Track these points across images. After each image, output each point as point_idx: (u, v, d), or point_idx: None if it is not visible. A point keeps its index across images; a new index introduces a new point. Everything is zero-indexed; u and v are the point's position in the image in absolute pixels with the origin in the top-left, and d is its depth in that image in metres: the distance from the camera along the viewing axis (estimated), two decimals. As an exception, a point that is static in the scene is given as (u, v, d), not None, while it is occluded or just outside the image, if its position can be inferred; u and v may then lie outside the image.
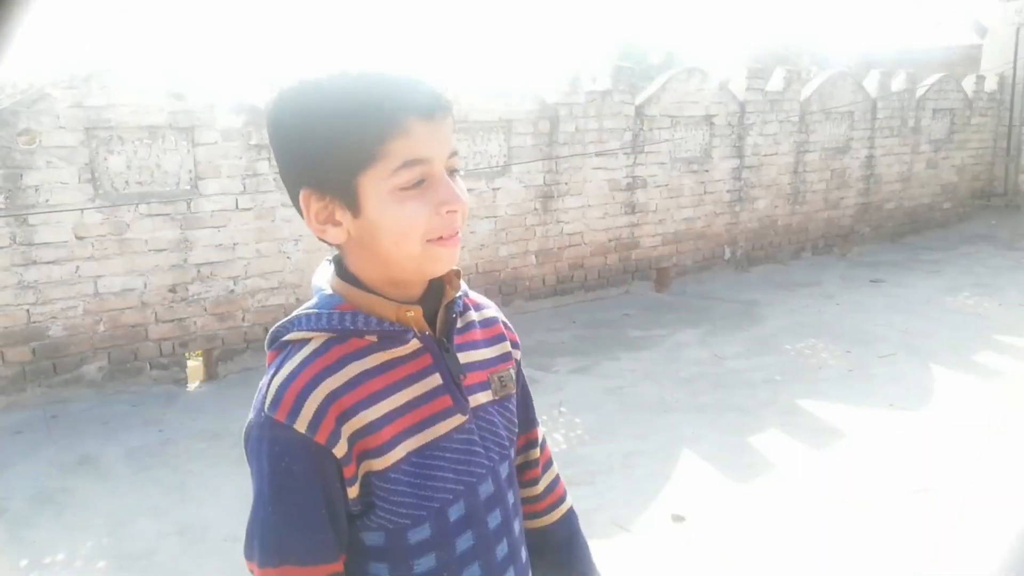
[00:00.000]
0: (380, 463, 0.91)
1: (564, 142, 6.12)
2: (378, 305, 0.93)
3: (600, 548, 2.98)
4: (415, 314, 0.94)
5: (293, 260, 4.96)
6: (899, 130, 8.78)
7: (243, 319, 4.86)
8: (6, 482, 3.53)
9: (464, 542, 0.98)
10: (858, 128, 8.28)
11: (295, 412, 0.88)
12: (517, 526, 1.07)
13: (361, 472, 0.92)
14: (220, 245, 4.70)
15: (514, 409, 1.08)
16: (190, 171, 4.57)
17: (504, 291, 6.05)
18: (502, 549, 1.02)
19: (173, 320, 4.62)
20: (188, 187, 4.59)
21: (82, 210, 4.27)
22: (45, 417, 4.17)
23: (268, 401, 0.89)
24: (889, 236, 9.02)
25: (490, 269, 5.95)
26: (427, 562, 0.95)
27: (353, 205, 0.89)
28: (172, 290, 4.58)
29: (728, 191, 7.26)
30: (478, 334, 1.05)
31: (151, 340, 4.58)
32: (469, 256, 5.82)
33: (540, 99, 5.95)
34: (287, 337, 0.94)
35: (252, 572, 0.92)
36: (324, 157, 0.87)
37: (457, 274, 1.00)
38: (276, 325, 0.97)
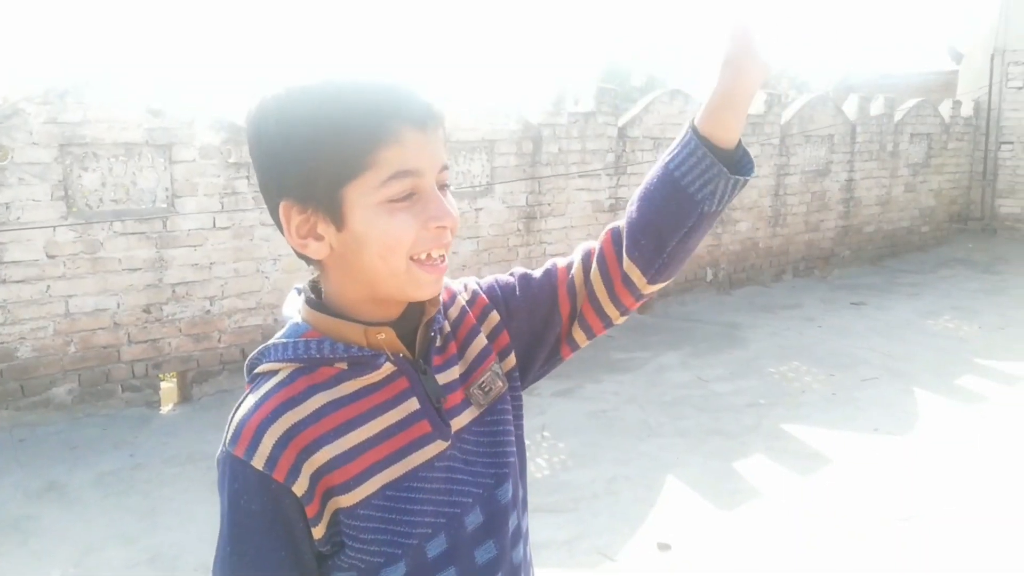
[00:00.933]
0: (348, 499, 0.85)
1: (547, 163, 6.11)
2: (346, 330, 0.88)
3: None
4: (386, 336, 0.89)
5: (271, 280, 4.87)
6: (878, 154, 8.88)
7: (219, 340, 4.75)
8: (-32, 509, 3.40)
9: None
10: (838, 151, 8.36)
11: (252, 448, 0.83)
12: (519, 555, 0.98)
13: (328, 511, 0.86)
14: (196, 264, 4.60)
15: (508, 406, 0.99)
16: (167, 189, 4.49)
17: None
18: None
19: (147, 341, 4.51)
20: (164, 205, 4.50)
21: (54, 228, 4.16)
22: (12, 441, 4.03)
23: (229, 436, 0.85)
24: (869, 259, 9.09)
25: (472, 290, 5.90)
26: None
27: (337, 218, 0.83)
28: (146, 310, 4.48)
29: (710, 213, 7.27)
30: (453, 347, 0.97)
31: (123, 361, 4.46)
32: (451, 276, 5.74)
33: (524, 119, 5.94)
34: (257, 369, 0.89)
35: None
36: (309, 166, 0.82)
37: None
38: (251, 356, 0.91)
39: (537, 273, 1.05)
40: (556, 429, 4.30)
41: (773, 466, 3.85)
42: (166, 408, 4.62)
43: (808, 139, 8.00)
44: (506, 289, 1.04)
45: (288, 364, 0.87)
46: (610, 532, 3.24)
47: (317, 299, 0.92)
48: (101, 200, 4.33)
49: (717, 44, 0.95)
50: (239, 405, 0.88)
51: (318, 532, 0.86)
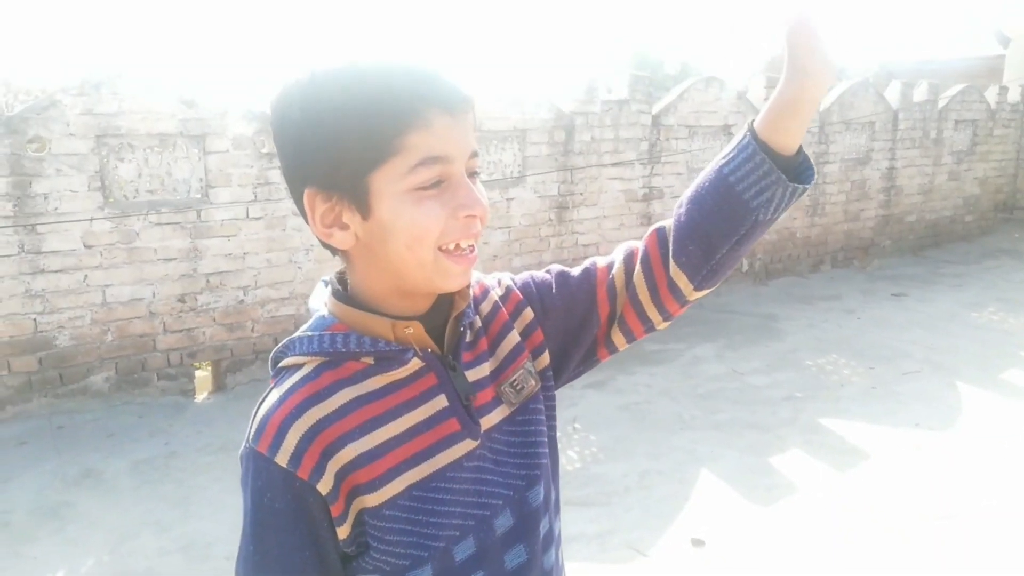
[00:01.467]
0: (374, 499, 0.82)
1: (580, 152, 6.03)
2: (373, 323, 0.85)
3: (616, 573, 2.87)
4: (415, 331, 0.85)
5: (304, 270, 4.89)
6: (921, 141, 8.63)
7: (252, 330, 4.79)
8: (9, 495, 3.47)
9: None
10: (879, 139, 8.14)
11: (276, 444, 0.80)
12: (550, 560, 0.95)
13: (353, 510, 0.83)
14: (230, 255, 4.63)
15: (541, 406, 0.95)
16: (201, 179, 4.52)
17: (517, 303, 5.96)
18: None
19: (182, 330, 4.56)
20: (199, 196, 4.53)
21: (91, 219, 4.21)
22: (51, 428, 4.11)
23: (252, 431, 0.83)
24: (910, 249, 8.86)
25: (503, 280, 5.86)
26: None
27: (363, 206, 0.80)
28: (181, 300, 4.52)
29: (746, 202, 7.13)
30: (484, 343, 0.94)
31: (159, 350, 4.52)
32: (482, 267, 5.70)
33: (556, 108, 5.87)
34: (282, 363, 0.86)
35: None
36: (334, 152, 0.79)
37: (468, 285, 0.90)
38: (275, 349, 0.88)
39: (576, 271, 1.02)
40: (588, 421, 4.25)
41: (810, 461, 3.76)
42: (200, 397, 4.67)
43: (848, 127, 7.80)
44: (542, 286, 1.00)
45: (313, 358, 0.84)
46: (642, 527, 3.19)
47: (344, 291, 0.88)
48: (137, 191, 4.37)
49: (778, 45, 0.89)
50: (263, 400, 0.85)
51: (343, 532, 0.83)
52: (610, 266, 1.01)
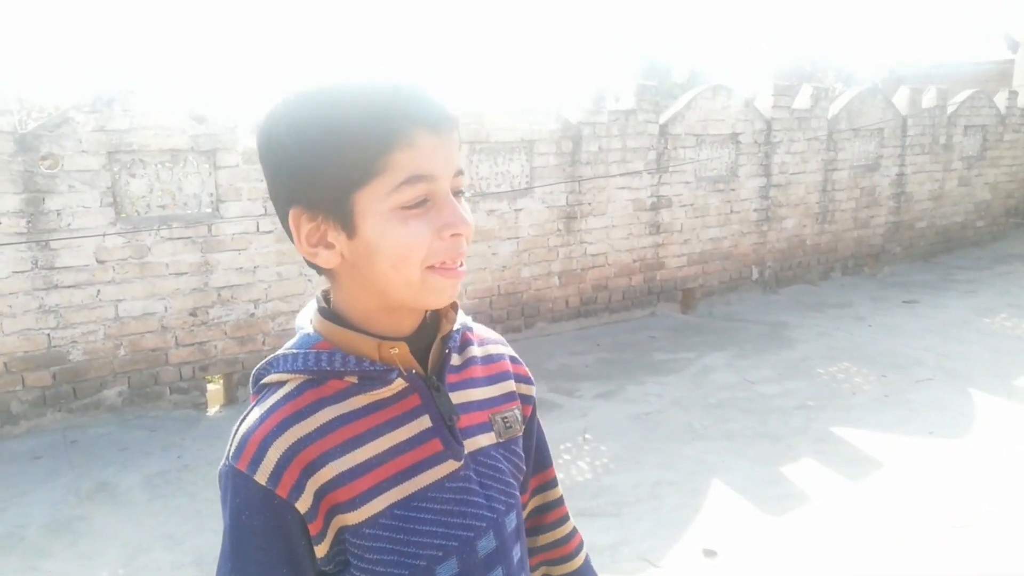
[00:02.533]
0: (354, 517, 0.83)
1: (587, 162, 6.05)
2: (359, 342, 0.85)
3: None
4: (400, 351, 0.86)
5: (314, 283, 4.92)
6: (930, 147, 8.60)
7: (263, 343, 4.81)
8: (24, 509, 3.49)
9: None
10: (888, 145, 8.12)
11: (256, 462, 0.81)
12: None
13: (332, 528, 0.83)
14: (241, 268, 4.67)
15: (521, 452, 0.99)
16: (211, 194, 4.56)
17: (527, 313, 5.96)
18: None
19: (193, 344, 4.59)
20: (209, 210, 4.57)
21: (104, 234, 4.26)
22: (65, 442, 4.14)
23: (232, 449, 0.83)
24: (921, 255, 8.81)
25: (512, 291, 5.87)
26: None
27: (348, 225, 0.81)
28: (193, 314, 4.55)
29: (755, 210, 7.13)
30: (479, 371, 0.96)
31: (171, 364, 4.55)
32: (491, 278, 5.74)
33: (563, 118, 5.89)
34: (264, 380, 0.87)
35: None
36: (318, 171, 0.79)
37: (454, 307, 0.92)
38: (257, 367, 0.89)
39: (545, 444, 1.10)
40: (598, 432, 4.24)
41: (823, 470, 3.74)
42: (212, 410, 4.69)
43: (857, 133, 7.78)
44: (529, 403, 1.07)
45: (297, 376, 0.85)
46: (654, 537, 3.18)
47: (329, 309, 0.89)
48: (148, 206, 4.41)
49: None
50: (244, 417, 0.85)
51: (321, 550, 0.84)
52: (547, 484, 1.11)
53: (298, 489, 0.81)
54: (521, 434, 0.99)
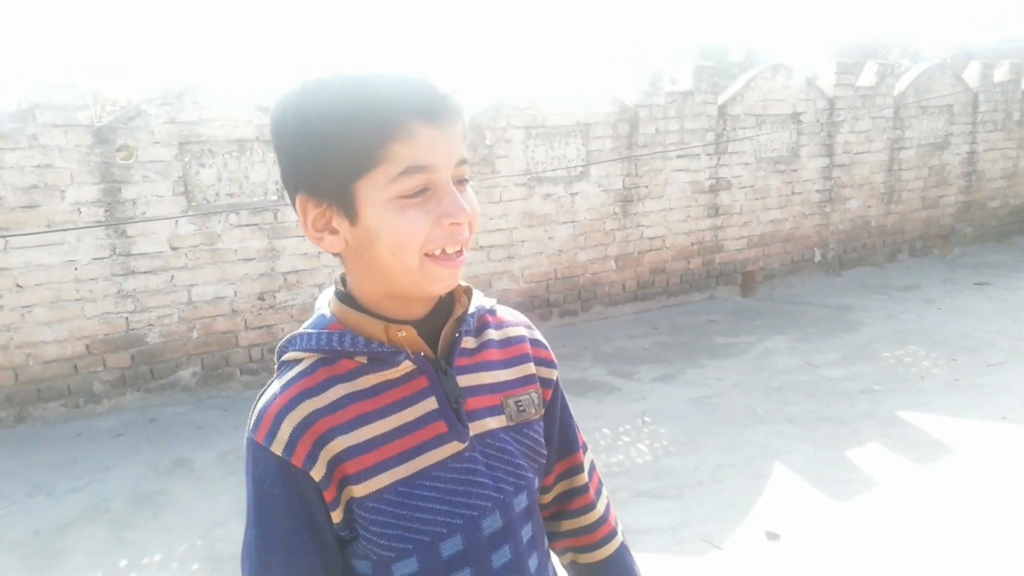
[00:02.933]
0: (360, 490, 0.87)
1: (644, 144, 6.00)
2: (367, 324, 0.89)
3: (690, 565, 2.87)
4: (407, 334, 0.89)
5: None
6: (1003, 124, 8.25)
7: (327, 326, 4.94)
8: (108, 483, 3.68)
9: None
10: (958, 123, 7.82)
11: (272, 434, 0.86)
12: (534, 563, 0.99)
13: (343, 497, 0.88)
14: (305, 254, 4.80)
15: (538, 436, 1.01)
16: (276, 182, 4.69)
17: (583, 297, 5.97)
18: None
19: (261, 327, 4.74)
20: (275, 198, 4.70)
21: (176, 221, 4.43)
22: (143, 420, 4.34)
23: (251, 422, 0.88)
24: (994, 236, 8.48)
25: (569, 275, 5.88)
26: None
27: (351, 212, 0.84)
28: (260, 298, 4.71)
29: (817, 191, 6.97)
30: (494, 354, 0.99)
31: (241, 346, 4.71)
32: (548, 262, 5.77)
33: (619, 101, 5.85)
34: (284, 357, 0.92)
35: None
36: (322, 160, 0.83)
37: (467, 291, 0.95)
38: (279, 344, 0.94)
39: (572, 427, 1.11)
40: (657, 415, 4.24)
41: (890, 455, 3.67)
42: (279, 391, 4.84)
43: (925, 110, 7.52)
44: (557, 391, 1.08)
45: (311, 354, 0.89)
46: (715, 520, 3.18)
47: (345, 292, 0.93)
48: (218, 194, 4.57)
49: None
50: (263, 392, 0.90)
51: (336, 517, 0.88)
52: (574, 468, 1.11)
53: (312, 459, 0.85)
54: (538, 417, 1.01)
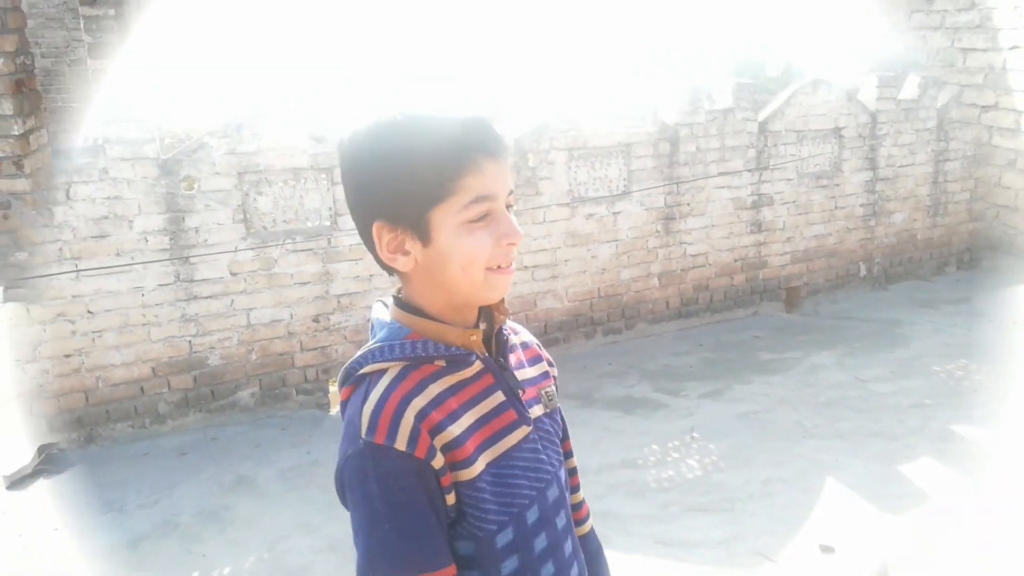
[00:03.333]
0: (467, 474, 1.00)
1: (685, 163, 6.06)
2: (445, 332, 1.03)
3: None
4: (476, 338, 1.05)
5: (424, 289, 5.15)
6: (1052, 132, 8.10)
7: (379, 346, 5.07)
8: (176, 500, 3.85)
9: (540, 543, 1.06)
10: (1005, 132, 7.71)
11: (393, 433, 0.96)
12: (572, 527, 1.18)
13: (453, 483, 1.00)
14: (358, 277, 4.95)
15: (563, 420, 1.21)
16: (330, 208, 4.86)
17: (627, 314, 6.03)
18: (568, 547, 1.11)
19: (316, 348, 4.90)
20: (328, 223, 4.88)
21: (236, 248, 4.62)
22: (206, 440, 4.51)
23: (364, 428, 0.97)
24: (1045, 247, 8.30)
25: (612, 293, 5.95)
26: (511, 564, 1.03)
27: (424, 236, 0.99)
28: (316, 320, 4.87)
29: (861, 205, 6.94)
30: (520, 355, 1.16)
31: (297, 367, 4.88)
32: (591, 280, 5.84)
33: (660, 121, 5.93)
34: (363, 371, 1.02)
35: None
36: (400, 192, 0.98)
37: (503, 302, 1.11)
38: (347, 364, 1.05)
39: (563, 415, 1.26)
40: (706, 431, 4.28)
41: (943, 470, 3.66)
42: (334, 410, 4.99)
43: (968, 123, 7.44)
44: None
45: (396, 363, 1.01)
46: (768, 533, 3.21)
47: (411, 305, 1.06)
48: (274, 221, 4.76)
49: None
50: (364, 401, 0.99)
51: (449, 500, 1.00)
52: (568, 453, 1.27)
53: (432, 450, 0.97)
54: (559, 405, 1.20)
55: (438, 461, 0.97)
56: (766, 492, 3.55)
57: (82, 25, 9.10)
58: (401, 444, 0.96)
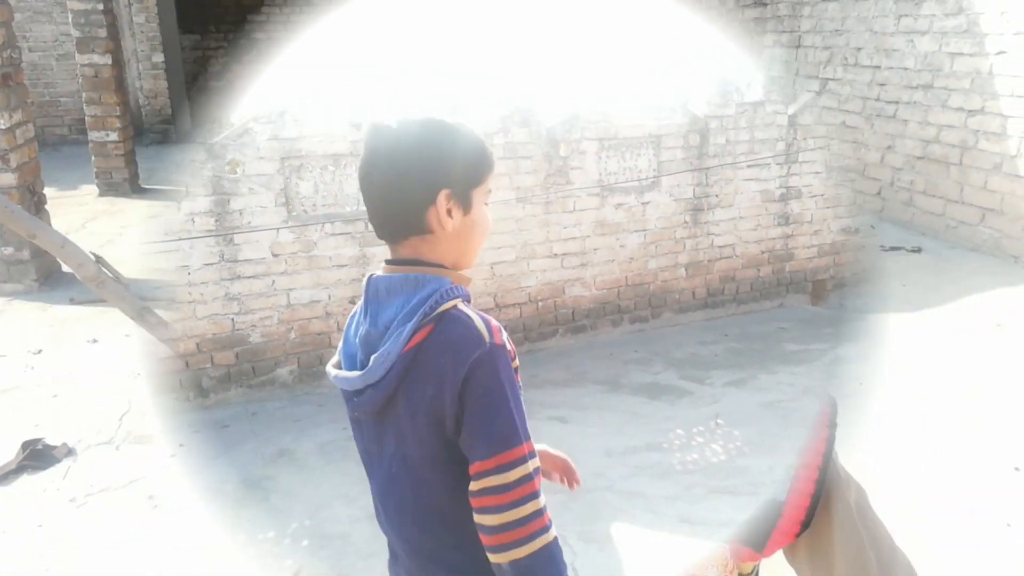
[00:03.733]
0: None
1: (714, 154, 6.13)
2: (463, 279, 1.39)
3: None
4: (471, 285, 1.45)
5: (456, 274, 5.29)
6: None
7: (412, 329, 5.23)
8: (220, 469, 4.03)
9: None
10: (1038, 129, 7.67)
11: (502, 336, 1.32)
12: None
13: None
14: (393, 260, 5.10)
15: None
16: (367, 193, 5.01)
17: (653, 304, 6.13)
18: None
19: (352, 329, 5.06)
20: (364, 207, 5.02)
21: (277, 230, 4.79)
22: (247, 414, 4.70)
23: (486, 335, 1.29)
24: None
25: (639, 282, 6.05)
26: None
27: (467, 206, 1.36)
28: (352, 301, 5.03)
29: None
30: None
31: (333, 346, 5.04)
32: (619, 269, 5.95)
33: (690, 113, 6.00)
34: (441, 309, 1.30)
35: (508, 458, 1.26)
36: (464, 173, 1.35)
37: None
38: (424, 307, 1.30)
39: None
40: (730, 418, 4.38)
41: (979, 460, 3.73)
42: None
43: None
44: None
45: (458, 299, 1.34)
46: (790, 515, 3.31)
47: (436, 264, 1.38)
48: (315, 205, 4.92)
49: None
50: (467, 321, 1.30)
51: None
52: None
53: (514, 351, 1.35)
54: None
55: (516, 363, 1.36)
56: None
57: (70, 19, 9.34)
58: (508, 345, 1.32)
